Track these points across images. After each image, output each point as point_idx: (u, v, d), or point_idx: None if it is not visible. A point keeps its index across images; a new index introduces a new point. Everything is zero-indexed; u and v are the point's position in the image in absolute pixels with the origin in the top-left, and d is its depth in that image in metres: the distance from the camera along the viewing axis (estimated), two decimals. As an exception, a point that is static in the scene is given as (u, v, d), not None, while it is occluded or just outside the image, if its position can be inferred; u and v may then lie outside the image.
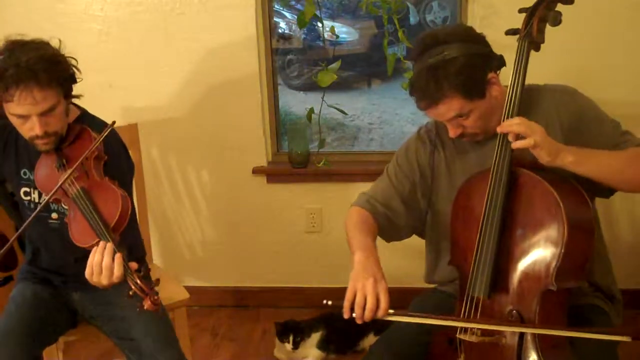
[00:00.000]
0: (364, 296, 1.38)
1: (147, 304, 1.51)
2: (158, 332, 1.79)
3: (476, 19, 2.47)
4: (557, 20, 1.45)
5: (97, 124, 1.82)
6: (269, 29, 2.70)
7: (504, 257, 1.43)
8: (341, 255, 2.86)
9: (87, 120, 1.83)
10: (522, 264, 1.41)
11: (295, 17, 2.57)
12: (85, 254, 1.82)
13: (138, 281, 1.51)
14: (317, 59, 3.62)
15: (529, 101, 1.54)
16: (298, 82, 5.38)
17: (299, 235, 2.87)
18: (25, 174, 1.81)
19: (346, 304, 1.40)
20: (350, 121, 4.96)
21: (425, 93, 1.48)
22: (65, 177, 1.63)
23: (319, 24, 2.60)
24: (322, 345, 2.50)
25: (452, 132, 1.55)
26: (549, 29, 1.49)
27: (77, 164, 1.64)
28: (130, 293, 1.52)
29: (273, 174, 2.81)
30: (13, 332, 1.74)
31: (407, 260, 2.69)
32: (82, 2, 2.63)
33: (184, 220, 2.91)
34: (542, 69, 1.68)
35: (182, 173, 2.84)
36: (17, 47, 1.61)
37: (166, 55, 2.66)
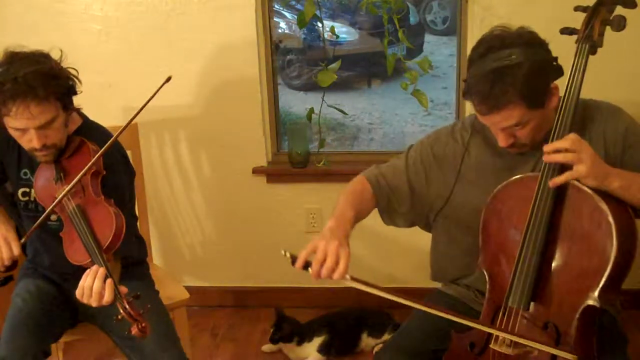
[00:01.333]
0: (325, 254, 1.38)
1: (134, 330, 1.51)
2: (159, 331, 1.78)
3: (476, 20, 2.47)
4: (621, 25, 1.40)
5: (100, 133, 1.83)
6: (269, 29, 2.70)
7: (546, 269, 1.40)
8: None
9: (88, 131, 1.83)
10: (567, 278, 1.38)
11: (295, 17, 2.57)
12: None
13: (127, 306, 1.52)
14: (317, 59, 3.62)
15: (582, 115, 1.49)
16: (298, 82, 5.39)
17: (299, 235, 2.87)
18: (25, 174, 1.82)
19: (303, 255, 1.39)
20: (350, 121, 4.97)
21: (489, 97, 1.40)
22: (62, 194, 1.65)
23: (319, 24, 2.60)
24: (324, 349, 2.50)
25: (504, 142, 1.48)
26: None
27: (74, 181, 1.65)
28: (119, 317, 1.53)
29: (273, 174, 2.81)
30: (25, 327, 1.74)
31: (408, 261, 2.70)
32: (82, 2, 2.63)
33: (184, 220, 2.91)
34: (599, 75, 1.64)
35: (182, 173, 2.84)
36: (15, 60, 1.61)
37: (166, 55, 2.66)
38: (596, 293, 1.32)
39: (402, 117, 5.11)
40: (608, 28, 1.44)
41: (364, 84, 5.76)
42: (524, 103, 1.40)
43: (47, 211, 1.66)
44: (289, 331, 2.49)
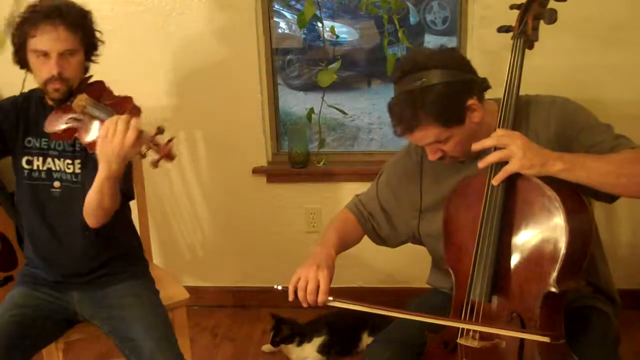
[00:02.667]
0: (306, 280, 1.49)
1: (164, 152, 1.58)
2: (158, 332, 1.79)
3: (476, 19, 2.47)
4: (552, 18, 1.43)
5: None
6: (269, 29, 2.70)
7: (504, 261, 1.42)
8: (341, 255, 2.86)
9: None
10: (523, 267, 1.40)
11: (295, 17, 2.57)
12: (83, 246, 1.82)
13: (151, 138, 1.57)
14: (317, 59, 3.62)
15: (520, 113, 1.52)
16: (298, 82, 5.38)
17: (299, 235, 2.87)
18: (29, 142, 1.84)
19: (290, 287, 1.52)
20: (350, 121, 4.97)
21: (401, 119, 1.46)
22: (89, 101, 1.65)
23: (319, 24, 2.60)
24: (324, 349, 2.50)
25: (431, 156, 1.54)
26: (543, 27, 1.47)
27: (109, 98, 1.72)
28: (144, 151, 1.57)
29: (273, 174, 2.81)
30: None
31: (406, 261, 2.70)
32: (82, 2, 2.63)
33: (184, 220, 2.91)
34: (539, 70, 1.67)
35: (182, 173, 2.84)
36: None
37: (166, 55, 2.66)
38: (554, 279, 1.34)
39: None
40: (543, 23, 1.47)
41: (364, 84, 5.76)
42: (437, 123, 1.45)
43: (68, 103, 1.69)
44: (288, 332, 2.49)
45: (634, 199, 1.42)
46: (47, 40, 1.68)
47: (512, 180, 1.42)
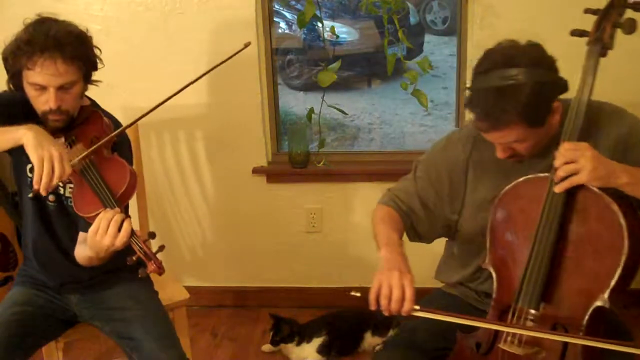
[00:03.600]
0: (390, 287, 1.39)
1: (151, 268, 1.50)
2: (159, 331, 1.79)
3: (476, 19, 2.47)
4: (632, 28, 1.40)
5: (107, 114, 1.84)
6: (269, 29, 2.70)
7: (557, 270, 1.40)
8: (341, 255, 2.88)
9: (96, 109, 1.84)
10: (577, 279, 1.38)
11: (295, 17, 2.57)
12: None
13: (142, 245, 1.50)
14: (317, 59, 3.62)
15: (591, 118, 1.48)
16: (298, 82, 5.38)
17: (299, 235, 2.87)
18: None
19: (372, 296, 1.41)
20: (350, 121, 4.97)
21: (489, 115, 1.42)
22: (86, 153, 1.62)
23: (319, 24, 2.60)
24: (323, 350, 2.50)
25: (501, 154, 1.50)
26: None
27: (104, 140, 1.65)
28: (134, 258, 1.51)
29: (273, 174, 2.81)
30: None
31: (412, 259, 2.69)
32: (82, 2, 2.63)
33: (184, 220, 2.91)
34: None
35: (182, 173, 2.84)
36: (48, 20, 1.66)
37: (166, 55, 2.66)
38: (606, 294, 1.32)
39: (402, 117, 5.11)
40: (619, 31, 1.44)
41: (364, 84, 5.76)
42: (524, 123, 1.41)
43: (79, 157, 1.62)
44: (288, 331, 2.49)
45: None
46: (45, 75, 1.60)
47: (574, 189, 1.39)
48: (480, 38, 2.47)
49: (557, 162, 1.38)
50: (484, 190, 1.61)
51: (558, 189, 1.38)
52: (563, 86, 1.44)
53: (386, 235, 1.55)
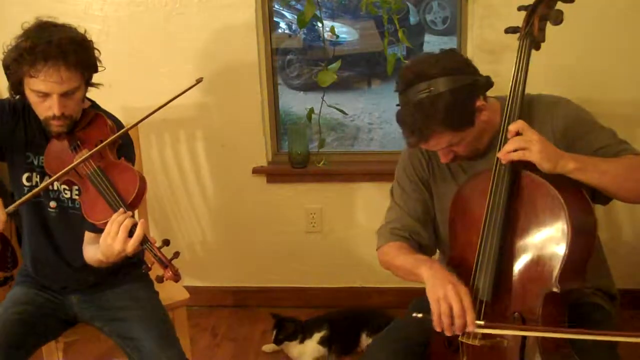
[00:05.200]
0: (448, 304, 1.36)
1: (167, 275, 1.49)
2: (159, 331, 1.79)
3: (476, 19, 2.47)
4: (558, 19, 1.44)
5: (107, 115, 1.84)
6: (269, 29, 2.70)
7: (507, 259, 1.42)
8: (341, 255, 2.88)
9: (98, 110, 1.84)
10: (526, 267, 1.40)
11: (295, 17, 2.57)
12: (84, 263, 1.81)
13: (158, 252, 1.49)
14: (317, 59, 3.62)
15: (526, 111, 1.52)
16: (298, 82, 5.38)
17: (299, 235, 2.87)
18: (28, 157, 1.80)
19: (435, 318, 1.38)
20: (350, 121, 4.97)
21: (414, 131, 1.46)
22: (85, 156, 1.63)
23: (319, 24, 2.60)
24: (324, 342, 2.51)
25: (443, 159, 1.55)
26: (549, 27, 1.48)
27: (106, 142, 1.65)
28: (150, 265, 1.50)
29: (273, 174, 2.81)
30: None
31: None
32: (82, 2, 2.63)
33: (184, 220, 2.91)
34: (542, 69, 1.67)
35: (182, 173, 2.84)
36: (48, 26, 1.65)
37: (166, 55, 2.66)
38: (556, 280, 1.34)
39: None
40: (549, 24, 1.47)
41: (364, 84, 5.76)
42: (449, 129, 1.45)
43: (67, 169, 1.62)
44: (292, 329, 2.49)
45: (633, 203, 1.45)
46: (49, 83, 1.59)
47: (518, 179, 1.42)
48: (480, 38, 2.47)
49: (508, 147, 1.39)
50: (447, 192, 1.64)
51: (503, 157, 1.39)
52: (483, 84, 1.48)
53: (414, 258, 1.55)
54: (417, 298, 1.77)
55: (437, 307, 1.38)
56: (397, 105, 1.52)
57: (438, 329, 1.39)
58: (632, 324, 2.52)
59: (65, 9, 2.61)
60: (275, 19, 2.80)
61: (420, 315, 1.43)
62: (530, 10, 1.50)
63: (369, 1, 2.45)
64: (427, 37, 5.99)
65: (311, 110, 2.72)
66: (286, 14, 4.83)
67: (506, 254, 1.42)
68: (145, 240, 1.50)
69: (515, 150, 1.38)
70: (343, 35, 5.02)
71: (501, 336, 1.40)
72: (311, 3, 2.45)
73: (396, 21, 2.44)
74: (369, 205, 2.78)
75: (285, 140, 2.89)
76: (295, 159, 2.76)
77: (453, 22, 4.00)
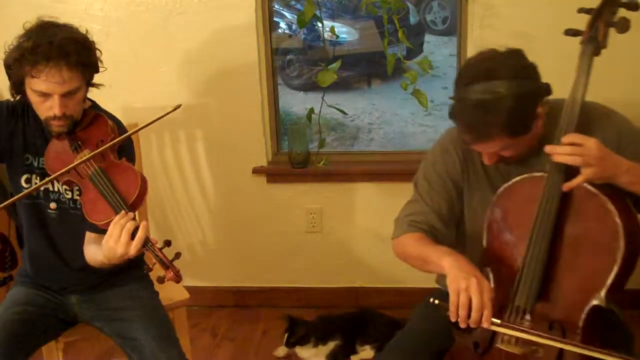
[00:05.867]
0: (468, 297, 1.34)
1: (169, 276, 1.48)
2: (159, 331, 1.79)
3: (476, 19, 2.47)
4: (624, 27, 1.40)
5: (108, 115, 1.84)
6: (269, 29, 2.70)
7: (554, 268, 1.40)
8: (341, 255, 2.88)
9: (98, 110, 1.84)
10: (573, 277, 1.38)
11: (295, 17, 2.57)
12: (84, 264, 1.81)
13: (159, 253, 1.49)
14: (317, 59, 3.62)
15: (584, 119, 1.48)
16: (298, 82, 5.39)
17: (299, 235, 2.87)
18: (28, 159, 1.80)
19: (452, 308, 1.36)
20: (350, 121, 4.98)
21: (472, 129, 1.44)
22: (88, 156, 1.63)
23: (319, 24, 2.60)
24: (333, 356, 2.47)
25: (489, 161, 1.51)
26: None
27: (108, 145, 1.65)
28: (151, 266, 1.50)
29: (273, 174, 2.81)
30: None
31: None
32: (82, 2, 2.63)
33: (184, 220, 2.91)
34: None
35: (182, 173, 2.84)
36: (50, 26, 1.65)
37: (166, 55, 2.66)
38: (603, 293, 1.33)
39: (402, 117, 5.11)
40: (612, 30, 1.44)
41: (364, 84, 5.76)
42: (507, 134, 1.42)
43: (68, 168, 1.63)
44: (303, 333, 2.45)
45: None
46: (50, 83, 1.59)
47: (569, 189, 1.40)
48: (480, 38, 2.47)
49: (564, 151, 1.36)
50: (479, 191, 1.62)
51: (566, 187, 1.38)
52: (545, 91, 1.44)
53: (436, 249, 1.51)
54: (418, 306, 1.75)
55: (456, 298, 1.35)
56: (451, 98, 1.48)
57: (453, 319, 1.36)
58: (634, 324, 2.51)
59: (66, 9, 2.61)
60: (275, 19, 2.81)
61: (437, 302, 1.40)
62: (595, 15, 1.45)
63: (369, 1, 2.45)
64: (427, 37, 6.00)
65: (311, 110, 2.72)
66: (286, 14, 4.84)
67: (554, 263, 1.40)
68: (147, 241, 1.50)
69: (568, 170, 1.36)
70: (343, 35, 5.03)
71: (537, 344, 1.37)
72: (311, 3, 2.45)
73: (396, 21, 2.44)
74: (369, 205, 2.78)
75: (285, 140, 2.89)
76: (295, 159, 2.76)
77: (453, 22, 4.00)
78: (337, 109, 2.77)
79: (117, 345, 1.85)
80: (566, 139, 1.38)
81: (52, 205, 1.80)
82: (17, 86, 1.67)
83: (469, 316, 1.35)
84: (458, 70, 1.50)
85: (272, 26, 2.72)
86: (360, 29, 5.34)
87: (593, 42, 1.44)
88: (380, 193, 2.74)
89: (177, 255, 1.52)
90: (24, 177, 1.80)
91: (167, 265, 1.49)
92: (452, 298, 1.36)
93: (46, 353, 1.96)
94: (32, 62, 1.57)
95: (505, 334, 1.41)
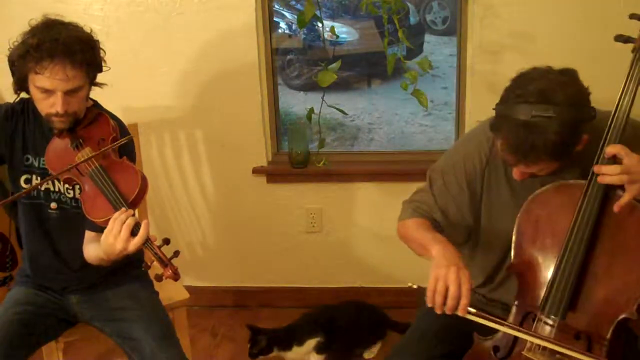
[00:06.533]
0: (446, 284, 1.36)
1: (167, 274, 1.49)
2: (159, 331, 1.79)
3: (476, 19, 2.47)
4: None
5: (110, 114, 1.84)
6: (269, 29, 2.70)
7: (585, 279, 1.38)
8: (341, 255, 2.88)
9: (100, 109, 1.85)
10: (606, 289, 1.37)
11: (295, 17, 2.57)
12: (84, 264, 1.82)
13: (157, 251, 1.50)
14: (317, 59, 3.62)
15: (630, 132, 1.44)
16: (298, 82, 5.38)
17: (299, 235, 2.87)
18: (28, 159, 1.80)
19: (429, 294, 1.38)
20: (350, 121, 4.97)
21: (518, 150, 1.38)
22: (92, 155, 1.64)
23: (319, 24, 2.60)
24: (322, 349, 2.44)
25: (519, 177, 1.48)
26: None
27: (111, 146, 1.67)
28: (150, 263, 1.51)
29: (273, 174, 2.81)
30: None
31: (406, 261, 2.69)
32: (82, 2, 2.63)
33: (184, 220, 2.91)
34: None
35: (182, 173, 2.84)
36: (55, 24, 1.66)
37: (166, 55, 2.66)
38: (635, 307, 1.32)
39: (402, 117, 5.11)
40: None
41: (364, 84, 5.75)
42: (552, 159, 1.39)
43: (70, 166, 1.64)
44: (265, 344, 2.37)
45: None
46: (54, 81, 1.60)
47: (608, 200, 1.38)
48: (480, 38, 2.47)
49: (609, 170, 1.34)
50: (500, 197, 1.60)
51: (617, 207, 1.34)
52: (593, 117, 1.39)
53: (432, 236, 1.52)
54: (424, 306, 1.75)
55: (434, 284, 1.37)
56: (494, 108, 1.44)
57: (429, 304, 1.38)
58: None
59: (66, 9, 2.59)
60: (275, 19, 2.80)
61: (416, 286, 1.43)
62: None
63: (369, 1, 2.45)
64: (427, 37, 5.98)
65: (311, 110, 2.72)
66: (286, 14, 4.83)
67: (587, 274, 1.38)
68: (146, 239, 1.51)
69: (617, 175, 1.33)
70: (343, 35, 5.02)
71: (563, 355, 1.36)
72: (311, 3, 2.45)
73: (396, 21, 2.44)
74: (369, 205, 2.78)
75: (285, 140, 2.89)
76: (295, 159, 2.76)
77: (453, 22, 4.00)
78: (337, 109, 2.77)
79: (117, 345, 1.85)
80: (611, 149, 1.35)
81: (53, 205, 1.80)
82: (20, 82, 1.68)
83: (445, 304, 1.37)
84: (511, 82, 1.44)
85: (272, 26, 2.72)
86: (360, 29, 5.33)
87: None
88: (381, 193, 2.74)
89: (176, 253, 1.53)
90: (24, 177, 1.80)
91: (165, 263, 1.49)
92: (431, 284, 1.38)
93: (46, 353, 1.96)
94: (37, 58, 1.58)
95: (532, 343, 1.39)
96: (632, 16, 1.45)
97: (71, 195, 1.80)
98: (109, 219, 1.53)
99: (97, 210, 1.60)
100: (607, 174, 1.34)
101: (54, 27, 1.64)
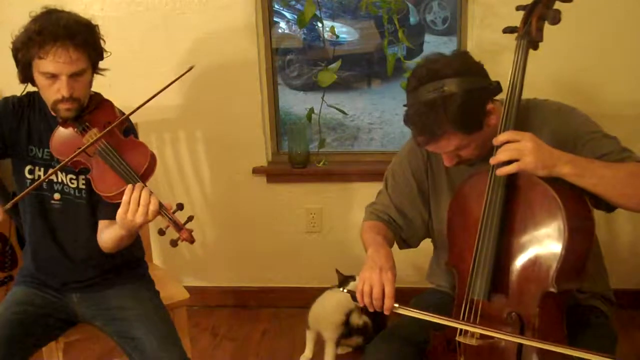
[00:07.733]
0: (370, 286, 1.43)
1: (184, 236, 1.55)
2: (160, 331, 1.79)
3: (476, 19, 2.47)
4: (556, 19, 1.43)
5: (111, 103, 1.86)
6: (269, 29, 2.70)
7: (504, 259, 1.43)
8: (341, 255, 2.88)
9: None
10: (523, 266, 1.41)
11: (295, 17, 2.57)
12: (85, 256, 1.82)
13: (172, 217, 1.56)
14: (317, 59, 3.62)
15: (525, 115, 1.52)
16: (298, 82, 5.38)
17: (299, 235, 2.87)
18: (32, 151, 1.81)
19: (357, 295, 1.46)
20: (350, 121, 4.97)
21: (424, 129, 1.46)
22: (99, 136, 1.66)
23: (319, 24, 2.60)
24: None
25: (448, 162, 1.55)
26: (547, 27, 1.48)
27: (118, 121, 1.72)
28: (164, 229, 1.55)
29: (273, 174, 2.81)
30: None
31: (406, 261, 2.70)
32: (81, 2, 2.63)
33: (183, 219, 2.91)
34: (541, 69, 1.67)
35: (182, 173, 2.84)
36: (55, 11, 1.70)
37: (166, 55, 2.66)
38: (552, 279, 1.35)
39: (402, 117, 5.10)
40: (547, 24, 1.47)
41: (364, 84, 5.75)
42: (459, 131, 1.45)
43: (82, 148, 1.66)
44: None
45: (634, 211, 1.44)
46: (58, 63, 1.62)
47: (514, 179, 1.42)
48: (480, 38, 2.47)
49: (500, 137, 1.39)
50: (442, 190, 1.67)
51: (500, 172, 1.39)
52: (494, 89, 1.47)
53: (371, 238, 1.61)
54: (417, 296, 1.78)
55: (361, 285, 1.45)
56: (405, 105, 1.52)
57: (360, 305, 1.45)
58: (632, 324, 2.51)
59: (65, 9, 2.60)
60: (275, 19, 2.81)
61: (346, 290, 1.54)
62: (529, 10, 1.49)
63: (369, 1, 2.46)
64: (427, 37, 5.99)
65: (311, 110, 2.72)
66: (286, 14, 4.83)
67: (503, 254, 1.43)
68: (160, 206, 1.56)
69: (509, 162, 1.37)
70: (343, 35, 5.02)
71: (495, 338, 1.40)
72: (311, 3, 2.46)
73: (396, 21, 2.44)
74: (369, 205, 2.78)
75: (285, 140, 2.89)
76: (295, 159, 2.76)
77: (453, 22, 4.00)
78: (337, 109, 2.77)
79: (117, 345, 1.85)
80: (501, 137, 1.40)
81: (56, 196, 1.82)
82: (25, 72, 1.70)
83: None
84: (407, 78, 1.53)
85: (272, 26, 2.72)
86: (360, 29, 5.33)
87: (527, 36, 1.47)
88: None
89: (190, 218, 1.60)
90: (28, 167, 1.82)
91: (180, 227, 1.55)
92: (358, 285, 1.46)
93: (46, 353, 1.96)
94: (40, 42, 1.61)
95: (461, 329, 1.45)
96: (518, 8, 1.51)
97: (75, 185, 1.81)
98: (122, 192, 1.57)
99: (109, 185, 1.63)
100: (500, 160, 1.38)
101: (54, 13, 1.68)
